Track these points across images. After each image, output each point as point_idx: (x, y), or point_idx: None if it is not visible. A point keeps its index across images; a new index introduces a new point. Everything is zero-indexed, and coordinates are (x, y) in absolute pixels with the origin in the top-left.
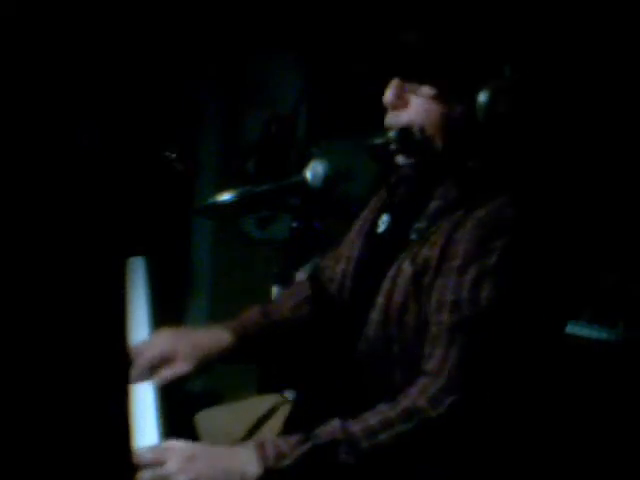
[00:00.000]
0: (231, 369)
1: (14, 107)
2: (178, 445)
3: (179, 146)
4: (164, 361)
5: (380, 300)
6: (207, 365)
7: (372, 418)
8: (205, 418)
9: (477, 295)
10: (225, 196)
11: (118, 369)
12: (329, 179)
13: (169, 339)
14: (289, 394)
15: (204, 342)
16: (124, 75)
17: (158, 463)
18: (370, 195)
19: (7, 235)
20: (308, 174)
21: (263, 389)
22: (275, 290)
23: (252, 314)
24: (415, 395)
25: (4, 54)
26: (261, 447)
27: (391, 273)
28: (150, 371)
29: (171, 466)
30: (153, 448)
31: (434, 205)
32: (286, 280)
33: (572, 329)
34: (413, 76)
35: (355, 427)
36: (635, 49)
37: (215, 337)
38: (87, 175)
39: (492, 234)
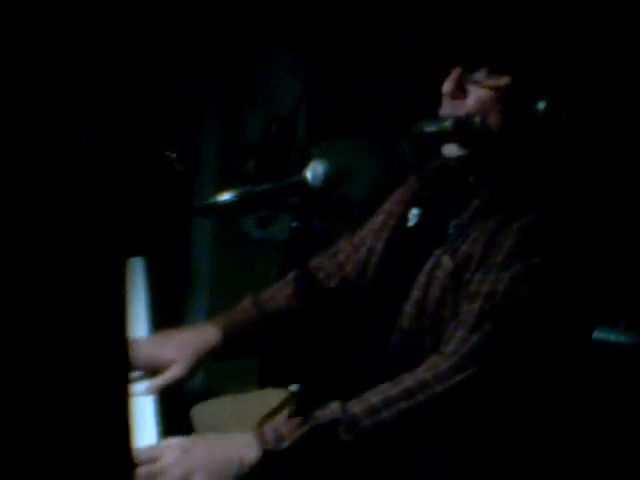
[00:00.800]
0: (230, 365)
1: (14, 107)
2: (175, 441)
3: (179, 146)
4: (155, 368)
5: (415, 293)
6: (199, 365)
7: (373, 397)
8: (201, 411)
9: (514, 290)
10: (225, 196)
11: (118, 369)
12: (329, 179)
13: (158, 344)
14: (294, 387)
15: (193, 343)
16: (124, 75)
17: (153, 459)
18: (370, 195)
19: (7, 235)
20: (308, 174)
21: (263, 384)
22: None
23: (243, 307)
24: (421, 371)
25: (4, 54)
26: (260, 430)
27: (428, 267)
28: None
29: (165, 460)
30: (150, 446)
31: (476, 203)
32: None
33: None
34: (482, 64)
35: (356, 407)
36: None
37: (203, 336)
38: (87, 175)
39: (540, 238)
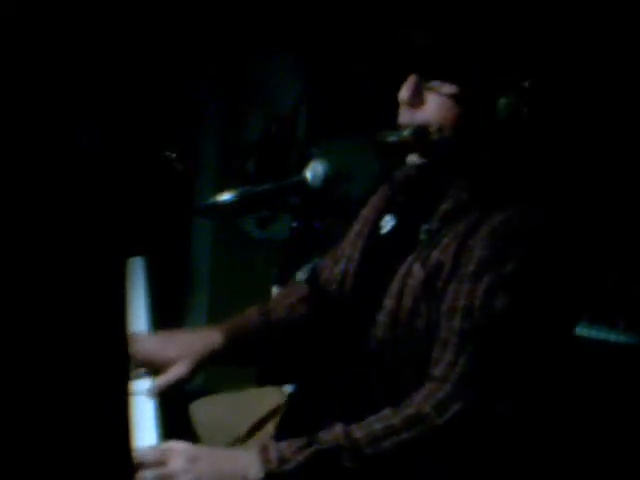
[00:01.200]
0: (230, 370)
1: (14, 107)
2: (180, 446)
3: (179, 146)
4: (157, 367)
5: (388, 302)
6: (201, 367)
7: (376, 424)
8: (200, 408)
9: (490, 304)
10: (225, 196)
11: (118, 368)
12: (329, 179)
13: (161, 343)
14: (288, 388)
15: (196, 345)
16: (124, 75)
17: (160, 463)
18: (370, 195)
19: (7, 235)
20: (308, 174)
21: (261, 380)
22: (275, 290)
23: (246, 315)
24: (420, 401)
25: (4, 54)
26: (264, 450)
27: (400, 275)
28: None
29: (174, 466)
30: (154, 448)
31: (445, 207)
32: (286, 280)
33: None
34: (435, 73)
35: (358, 433)
36: None
37: (207, 339)
38: (87, 175)
39: (509, 242)
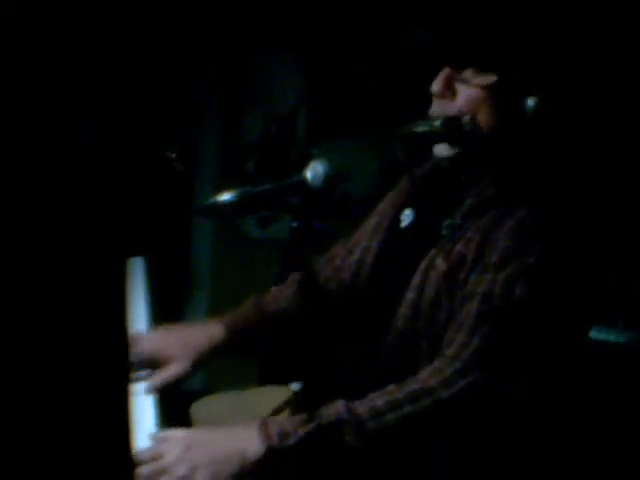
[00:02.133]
0: (230, 364)
1: (14, 107)
2: (175, 435)
3: (179, 146)
4: (158, 363)
5: (410, 295)
6: (201, 363)
7: (379, 399)
8: (200, 408)
9: (510, 291)
10: (225, 196)
11: (118, 368)
12: (329, 179)
13: (160, 340)
14: (295, 386)
15: (196, 340)
16: (124, 75)
17: (156, 457)
18: (370, 195)
19: (7, 235)
20: (308, 174)
21: (263, 383)
22: None
23: (246, 307)
24: (426, 376)
25: (4, 54)
26: (264, 426)
27: (422, 268)
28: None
29: (169, 457)
30: (151, 439)
31: (469, 202)
32: (286, 280)
33: None
34: (470, 63)
35: (361, 408)
36: None
37: (207, 334)
38: (87, 175)
39: (533, 235)
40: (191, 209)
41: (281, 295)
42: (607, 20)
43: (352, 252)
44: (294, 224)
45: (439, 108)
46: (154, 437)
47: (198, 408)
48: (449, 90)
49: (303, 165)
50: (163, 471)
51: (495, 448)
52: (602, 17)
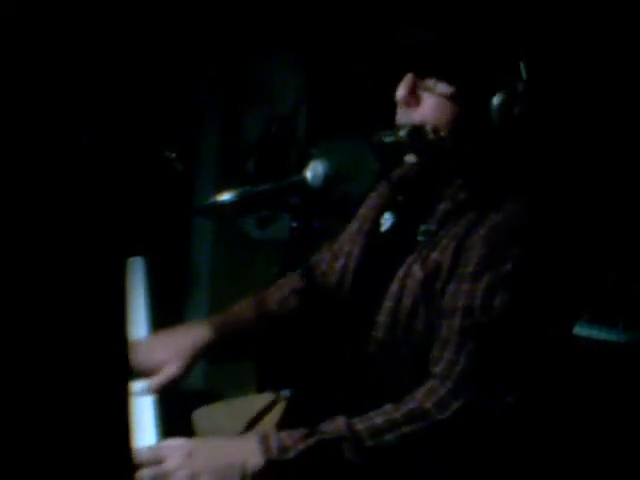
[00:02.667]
0: (229, 368)
1: (14, 107)
2: (177, 442)
3: (179, 146)
4: (150, 370)
5: (388, 304)
6: (192, 365)
7: (378, 418)
8: (202, 415)
9: (490, 302)
10: (225, 196)
11: (118, 369)
12: (329, 179)
13: (150, 347)
14: (286, 392)
15: (185, 343)
16: (124, 75)
17: (157, 461)
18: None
19: (7, 235)
20: (308, 174)
21: (261, 387)
22: None
23: (238, 308)
24: (422, 397)
25: (4, 54)
26: (265, 439)
27: (399, 276)
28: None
29: (170, 463)
30: (152, 447)
31: (443, 207)
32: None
33: None
34: (430, 72)
35: (360, 425)
36: None
37: (196, 336)
38: (87, 175)
39: (508, 241)
40: (191, 209)
41: (273, 298)
42: (569, 24)
43: (337, 257)
44: (294, 224)
45: (404, 116)
46: (156, 444)
47: (201, 416)
48: (413, 97)
49: (303, 165)
50: (164, 476)
51: (493, 454)
52: (563, 21)
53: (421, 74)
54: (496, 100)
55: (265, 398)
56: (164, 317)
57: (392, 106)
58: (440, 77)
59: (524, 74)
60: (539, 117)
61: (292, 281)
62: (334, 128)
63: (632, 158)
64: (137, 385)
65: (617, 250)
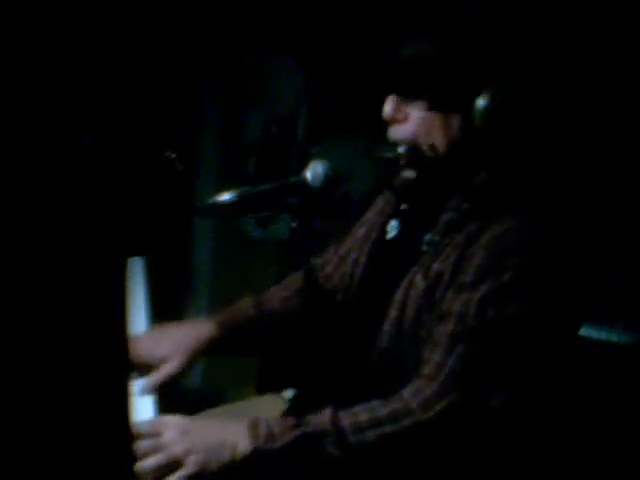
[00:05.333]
0: (229, 368)
1: (14, 107)
2: (173, 419)
3: (179, 146)
4: (150, 364)
5: (393, 313)
6: (193, 361)
7: (363, 414)
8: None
9: (485, 310)
10: (225, 196)
11: (118, 368)
12: (329, 179)
13: (150, 341)
14: (288, 393)
15: (186, 339)
16: (124, 75)
17: (154, 434)
18: (370, 195)
19: (7, 235)
20: (308, 174)
21: (261, 388)
22: None
23: (241, 306)
24: (407, 397)
25: (4, 54)
26: (254, 425)
27: (403, 285)
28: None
29: (167, 437)
30: (150, 420)
31: (445, 217)
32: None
33: None
34: (408, 92)
35: (345, 421)
36: None
37: (197, 332)
38: (87, 175)
39: (507, 252)
40: (191, 209)
41: (276, 296)
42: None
43: (344, 261)
44: (294, 224)
45: (395, 133)
46: (154, 420)
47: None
48: (401, 114)
49: (303, 165)
50: (159, 448)
51: (492, 454)
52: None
53: (401, 94)
54: (476, 107)
55: (266, 401)
56: (164, 317)
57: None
58: (417, 96)
59: (504, 80)
60: (539, 125)
61: (297, 281)
62: (334, 128)
63: (631, 158)
64: (137, 385)
65: (617, 250)
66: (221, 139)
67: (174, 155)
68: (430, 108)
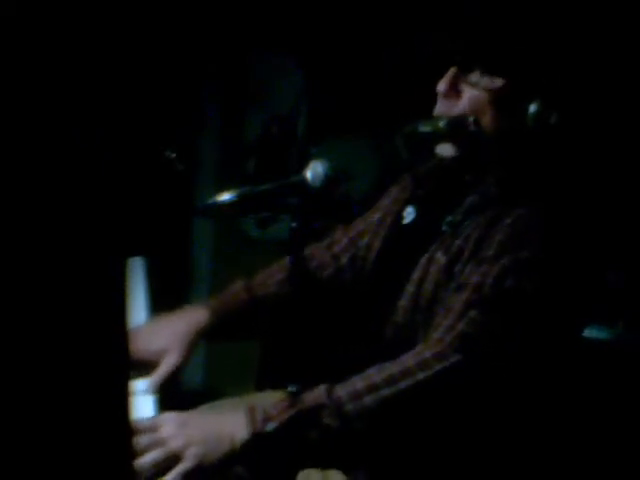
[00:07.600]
0: (230, 368)
1: (14, 107)
2: (171, 414)
3: (179, 146)
4: (148, 359)
5: (410, 288)
6: (192, 350)
7: (358, 382)
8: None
9: (502, 281)
10: (225, 196)
11: (118, 368)
12: (329, 179)
13: (146, 335)
14: (293, 388)
15: (182, 328)
16: (124, 75)
17: (153, 430)
18: (370, 195)
19: (6, 235)
20: (308, 174)
21: (261, 384)
22: None
23: (233, 290)
24: (405, 358)
25: (4, 54)
26: (251, 411)
27: (422, 262)
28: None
29: (165, 432)
30: (149, 417)
31: (470, 200)
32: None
33: None
34: (477, 66)
35: (340, 391)
36: None
37: (192, 319)
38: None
39: (530, 230)
40: (191, 209)
41: (270, 279)
42: (618, 27)
43: (355, 245)
44: (294, 224)
45: (443, 107)
46: (151, 418)
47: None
48: (454, 90)
49: (303, 165)
50: (159, 442)
51: (492, 453)
52: (613, 23)
53: (467, 67)
54: (532, 107)
55: (268, 396)
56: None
57: (393, 106)
58: (487, 71)
59: (564, 80)
60: (572, 125)
61: (292, 263)
62: (334, 128)
63: (631, 158)
64: (138, 384)
65: (618, 250)
66: (221, 139)
67: (174, 155)
68: (492, 88)
